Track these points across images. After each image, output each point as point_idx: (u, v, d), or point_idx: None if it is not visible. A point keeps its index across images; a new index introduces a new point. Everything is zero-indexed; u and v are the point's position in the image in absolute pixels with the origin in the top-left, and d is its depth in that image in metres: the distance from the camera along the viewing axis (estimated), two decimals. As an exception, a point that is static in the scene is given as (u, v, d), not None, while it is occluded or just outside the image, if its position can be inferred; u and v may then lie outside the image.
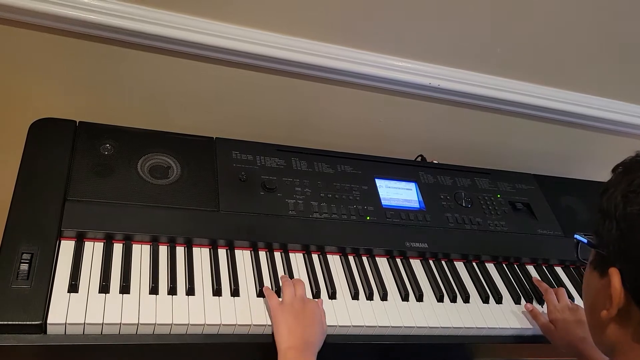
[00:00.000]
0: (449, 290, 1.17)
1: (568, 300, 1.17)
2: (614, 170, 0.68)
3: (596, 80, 1.55)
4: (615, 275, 0.62)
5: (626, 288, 0.62)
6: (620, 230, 0.62)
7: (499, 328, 1.13)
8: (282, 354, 0.92)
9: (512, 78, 1.48)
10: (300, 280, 1.04)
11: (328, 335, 1.03)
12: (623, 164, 0.68)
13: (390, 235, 1.22)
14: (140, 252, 1.03)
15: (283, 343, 0.93)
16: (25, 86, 1.27)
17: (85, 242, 1.01)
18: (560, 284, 1.29)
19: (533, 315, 1.16)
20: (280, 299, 0.99)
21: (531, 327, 1.16)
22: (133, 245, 1.03)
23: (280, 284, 1.04)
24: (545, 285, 1.22)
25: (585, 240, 0.72)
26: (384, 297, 1.11)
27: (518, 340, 1.15)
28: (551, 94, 1.53)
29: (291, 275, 1.08)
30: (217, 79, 1.34)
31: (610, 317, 0.64)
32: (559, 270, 1.34)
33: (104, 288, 0.94)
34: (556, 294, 1.18)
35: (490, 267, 1.27)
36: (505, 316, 1.16)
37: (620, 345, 0.65)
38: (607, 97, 1.58)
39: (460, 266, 1.25)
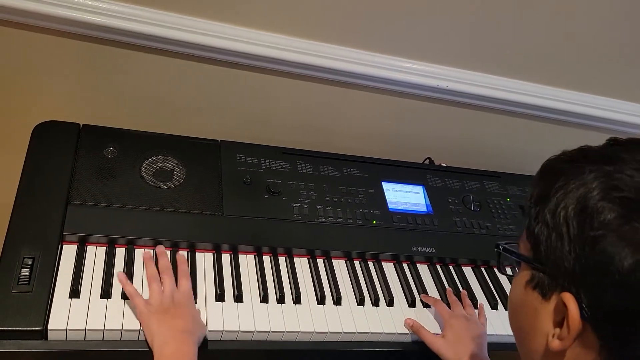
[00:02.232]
0: (457, 296, 1.15)
1: (463, 311, 1.07)
2: (543, 177, 0.60)
3: (609, 82, 1.52)
4: (571, 302, 0.54)
5: (582, 315, 0.54)
6: (576, 250, 0.54)
7: (509, 335, 1.11)
8: (157, 353, 0.84)
9: (522, 79, 1.45)
10: (168, 271, 0.95)
11: (333, 342, 1.02)
12: (553, 168, 0.59)
13: (397, 240, 1.20)
14: (143, 257, 1.01)
15: (155, 341, 0.85)
16: (29, 89, 1.26)
17: (88, 247, 1.00)
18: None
19: (415, 330, 1.03)
20: (146, 299, 0.91)
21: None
22: (136, 249, 1.02)
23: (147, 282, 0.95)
24: (432, 297, 1.11)
25: (518, 254, 0.63)
26: (390, 303, 1.09)
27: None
28: (562, 96, 1.50)
29: (296, 281, 1.06)
30: (222, 81, 1.33)
31: (565, 348, 0.56)
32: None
33: (106, 293, 0.93)
34: (451, 303, 1.09)
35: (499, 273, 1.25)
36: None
37: None
38: (620, 99, 1.56)
39: (468, 271, 1.23)
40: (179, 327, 0.87)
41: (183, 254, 1.01)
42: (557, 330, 0.57)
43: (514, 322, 0.66)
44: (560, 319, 0.56)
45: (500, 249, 0.67)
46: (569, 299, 0.55)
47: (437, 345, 1.00)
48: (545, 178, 0.60)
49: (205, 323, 0.94)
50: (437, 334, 1.03)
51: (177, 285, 0.95)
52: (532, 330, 0.61)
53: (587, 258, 0.53)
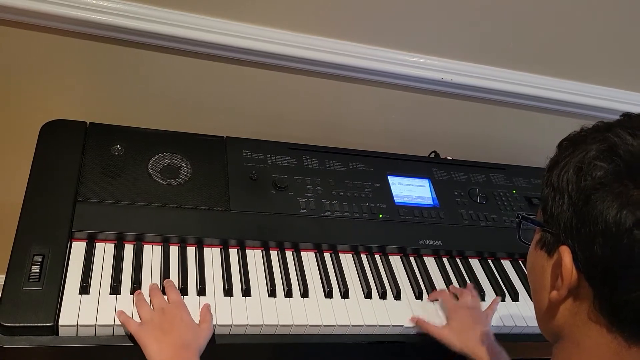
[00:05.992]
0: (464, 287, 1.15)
1: (469, 301, 1.08)
2: (559, 146, 0.65)
3: (615, 73, 1.51)
4: (566, 253, 0.59)
5: (577, 266, 0.58)
6: (573, 205, 0.58)
7: (517, 326, 1.11)
8: None
9: (526, 71, 1.45)
10: (154, 291, 0.95)
11: (341, 335, 1.02)
12: (568, 138, 0.64)
13: (404, 233, 1.20)
14: (151, 253, 1.03)
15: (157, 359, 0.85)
16: (36, 88, 1.27)
17: (96, 244, 1.01)
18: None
19: (420, 325, 1.04)
20: (138, 321, 0.90)
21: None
22: (144, 246, 1.03)
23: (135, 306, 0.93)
24: (437, 291, 1.12)
25: (532, 219, 0.68)
26: (397, 296, 1.10)
27: (534, 339, 1.13)
28: (567, 87, 1.49)
29: (303, 275, 1.07)
30: (227, 78, 1.33)
31: (560, 298, 0.61)
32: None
33: (115, 289, 0.94)
34: (459, 294, 1.10)
35: (507, 264, 1.25)
36: (523, 314, 1.14)
37: (569, 328, 0.62)
38: (626, 90, 1.55)
39: (475, 264, 1.23)
40: (177, 342, 0.86)
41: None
42: (557, 283, 0.61)
43: (530, 285, 0.70)
44: (560, 272, 0.60)
45: (519, 217, 0.72)
46: (564, 250, 0.59)
47: (443, 335, 1.02)
48: (559, 149, 0.65)
49: (211, 324, 0.93)
50: (442, 326, 1.04)
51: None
52: (540, 288, 0.65)
53: (581, 212, 0.57)
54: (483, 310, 1.09)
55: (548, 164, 0.65)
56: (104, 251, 1.00)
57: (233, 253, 1.07)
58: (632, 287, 0.54)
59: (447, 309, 1.08)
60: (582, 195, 0.57)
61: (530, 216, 0.70)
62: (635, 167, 0.55)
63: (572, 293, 0.60)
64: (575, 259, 0.58)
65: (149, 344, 0.86)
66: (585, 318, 0.59)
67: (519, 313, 1.14)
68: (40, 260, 0.93)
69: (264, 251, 1.10)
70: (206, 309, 0.95)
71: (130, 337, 0.89)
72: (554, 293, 0.61)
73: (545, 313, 0.65)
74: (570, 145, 0.63)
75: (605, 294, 0.57)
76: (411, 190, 1.29)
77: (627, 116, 0.62)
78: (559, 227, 0.60)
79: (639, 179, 0.54)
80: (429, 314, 1.08)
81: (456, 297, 1.11)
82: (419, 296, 1.11)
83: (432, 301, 1.11)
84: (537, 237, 0.66)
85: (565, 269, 0.59)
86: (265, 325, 0.97)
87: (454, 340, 1.01)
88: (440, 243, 1.21)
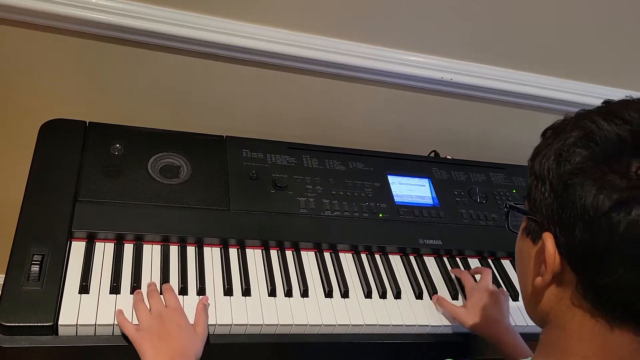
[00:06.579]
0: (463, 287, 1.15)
1: (489, 283, 1.12)
2: (543, 135, 0.66)
3: (615, 73, 1.51)
4: (549, 239, 0.60)
5: (560, 252, 0.59)
6: (554, 192, 0.59)
7: (517, 326, 1.11)
8: None
9: (527, 71, 1.45)
10: (152, 292, 0.94)
11: (341, 335, 1.02)
12: (552, 127, 0.65)
13: (404, 233, 1.20)
14: (151, 253, 1.02)
15: None
16: (36, 87, 1.27)
17: (96, 243, 1.01)
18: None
19: (438, 302, 1.09)
20: (136, 324, 0.90)
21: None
22: (144, 245, 1.03)
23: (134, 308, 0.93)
24: (459, 269, 1.18)
25: (518, 208, 0.69)
26: (397, 295, 1.10)
27: (535, 338, 1.12)
28: (568, 87, 1.49)
29: (303, 274, 1.07)
30: (227, 77, 1.33)
31: (545, 284, 0.62)
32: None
33: (115, 289, 0.94)
34: (481, 273, 1.14)
35: (506, 264, 1.25)
36: (523, 314, 1.14)
37: (554, 312, 0.63)
38: (626, 89, 1.55)
39: (475, 263, 1.23)
40: (174, 350, 0.86)
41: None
42: (541, 269, 0.62)
43: (517, 272, 0.71)
44: (543, 258, 0.61)
45: (507, 206, 0.73)
46: (547, 237, 0.60)
47: (458, 314, 1.06)
48: (543, 138, 0.66)
49: (206, 326, 0.93)
50: (458, 305, 1.09)
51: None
52: (526, 274, 0.66)
53: (561, 198, 0.58)
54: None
55: (532, 153, 0.66)
56: (104, 251, 1.00)
57: (233, 252, 1.07)
58: (612, 271, 0.55)
59: (466, 289, 1.11)
60: (562, 182, 0.58)
61: (518, 205, 0.70)
62: (610, 153, 0.56)
63: (556, 279, 0.61)
64: (557, 245, 0.59)
65: (146, 351, 0.86)
66: (569, 303, 0.61)
67: (519, 312, 1.14)
68: (39, 259, 0.92)
69: (263, 251, 1.09)
70: (200, 310, 0.94)
71: (128, 338, 0.89)
72: (539, 279, 0.62)
73: (531, 299, 0.66)
74: (553, 133, 0.64)
75: (587, 279, 0.58)
76: (411, 190, 1.29)
77: (607, 103, 0.63)
78: (541, 214, 0.61)
79: (614, 163, 0.55)
80: (429, 312, 1.08)
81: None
82: (419, 296, 1.11)
83: (432, 298, 1.12)
84: (523, 225, 0.67)
85: (548, 254, 0.60)
86: (265, 324, 0.97)
87: (468, 319, 1.04)
88: (440, 242, 1.21)
